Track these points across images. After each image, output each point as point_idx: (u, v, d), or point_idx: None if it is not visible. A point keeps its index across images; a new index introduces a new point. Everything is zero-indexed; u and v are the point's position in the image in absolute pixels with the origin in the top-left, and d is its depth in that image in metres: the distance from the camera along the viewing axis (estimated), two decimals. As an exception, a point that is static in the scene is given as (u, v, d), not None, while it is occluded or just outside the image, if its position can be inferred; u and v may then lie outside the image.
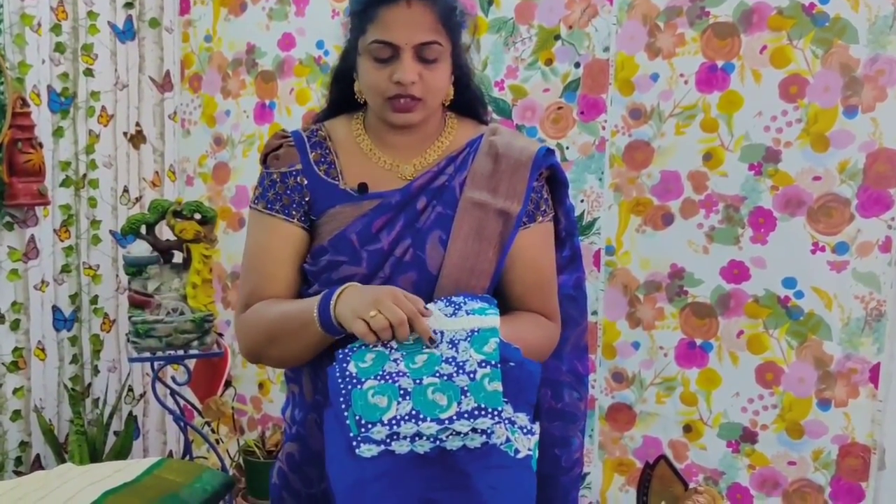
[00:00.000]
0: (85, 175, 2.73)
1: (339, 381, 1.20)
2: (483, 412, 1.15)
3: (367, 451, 1.15)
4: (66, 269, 2.70)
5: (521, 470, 1.19)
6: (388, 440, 1.15)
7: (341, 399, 1.19)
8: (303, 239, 1.39)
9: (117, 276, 2.80)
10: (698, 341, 2.21)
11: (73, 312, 2.73)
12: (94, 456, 2.53)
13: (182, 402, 2.59)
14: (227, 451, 2.70)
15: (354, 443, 1.15)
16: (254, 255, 1.41)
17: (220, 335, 2.48)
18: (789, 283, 2.08)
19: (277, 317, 1.33)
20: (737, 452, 2.18)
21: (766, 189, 2.09)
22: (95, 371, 2.80)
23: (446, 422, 1.15)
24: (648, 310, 2.26)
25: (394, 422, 1.15)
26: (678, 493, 1.38)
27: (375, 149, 1.41)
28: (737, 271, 2.14)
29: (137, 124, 2.87)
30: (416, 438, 1.15)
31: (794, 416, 2.11)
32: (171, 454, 2.97)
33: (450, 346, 1.23)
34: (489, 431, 1.15)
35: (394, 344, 1.23)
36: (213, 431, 2.72)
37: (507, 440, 1.17)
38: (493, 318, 1.26)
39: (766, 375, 2.13)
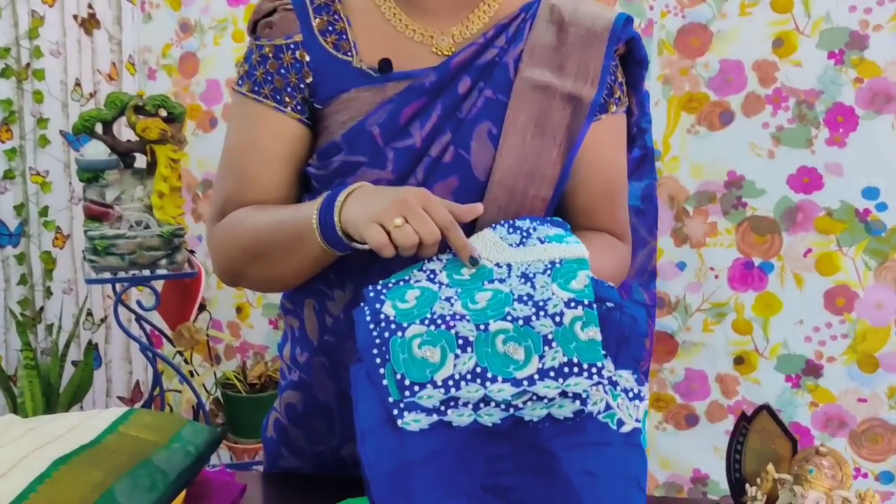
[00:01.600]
0: (28, 65, 2.47)
1: (372, 327, 0.94)
2: (576, 369, 0.90)
3: (412, 421, 0.90)
4: (9, 176, 2.47)
5: (626, 448, 0.95)
6: (442, 408, 0.90)
7: (375, 351, 0.93)
8: (299, 135, 1.13)
9: (70, 183, 2.55)
10: (757, 261, 1.99)
11: (19, 226, 2.51)
12: (49, 392, 2.29)
13: (149, 329, 2.35)
14: (203, 384, 2.44)
15: (395, 411, 0.90)
16: (234, 151, 1.16)
17: (192, 252, 2.24)
18: (871, 193, 1.88)
19: (264, 226, 1.09)
20: (797, 387, 1.99)
21: (849, 81, 1.85)
22: (48, 293, 2.57)
23: (525, 382, 0.90)
24: (698, 225, 2.02)
25: (450, 382, 0.90)
26: (783, 451, 1.13)
27: (402, 14, 1.14)
28: (807, 180, 1.93)
29: (90, 6, 2.57)
30: (482, 405, 0.90)
31: (867, 346, 1.91)
32: (137, 386, 2.72)
33: (522, 280, 0.98)
34: (584, 396, 0.89)
35: (444, 278, 0.99)
36: (185, 362, 2.48)
37: (608, 407, 0.92)
38: (577, 247, 1.01)
39: (837, 301, 1.92)
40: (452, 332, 0.94)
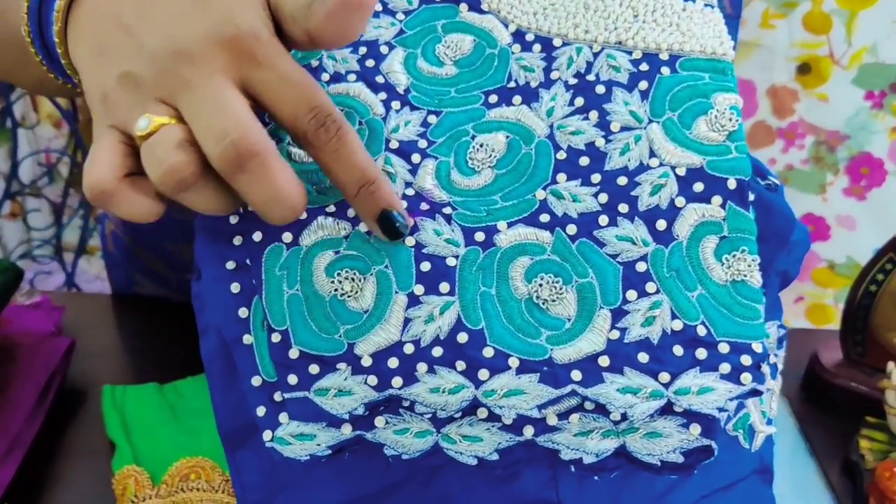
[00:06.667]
0: None
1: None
2: (702, 352, 0.45)
3: (295, 439, 0.45)
4: None
5: (759, 487, 0.49)
6: (367, 415, 0.45)
7: (231, 266, 0.48)
8: None
9: None
10: (855, -73, 1.41)
11: None
12: None
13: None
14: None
15: (263, 410, 0.45)
16: None
17: None
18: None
19: None
20: (878, 108, 1.52)
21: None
22: None
23: (574, 373, 0.44)
24: None
25: (393, 361, 0.44)
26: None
27: None
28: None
29: None
30: (461, 418, 0.46)
31: None
32: None
33: (575, 98, 0.52)
34: (717, 416, 0.44)
35: (398, 74, 0.53)
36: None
37: (740, 406, 0.48)
38: (712, 18, 0.53)
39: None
40: (408, 240, 0.47)
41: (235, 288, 0.47)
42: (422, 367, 0.43)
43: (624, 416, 0.44)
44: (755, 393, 0.44)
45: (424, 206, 0.47)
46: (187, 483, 0.64)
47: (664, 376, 0.44)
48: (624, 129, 0.49)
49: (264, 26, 0.43)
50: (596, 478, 0.45)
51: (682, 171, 0.48)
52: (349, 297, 0.45)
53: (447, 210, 0.47)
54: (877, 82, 1.50)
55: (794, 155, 1.58)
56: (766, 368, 0.44)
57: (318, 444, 0.44)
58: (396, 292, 0.45)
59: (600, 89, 0.50)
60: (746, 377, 0.44)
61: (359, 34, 0.44)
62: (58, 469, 0.69)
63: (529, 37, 0.52)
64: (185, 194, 0.41)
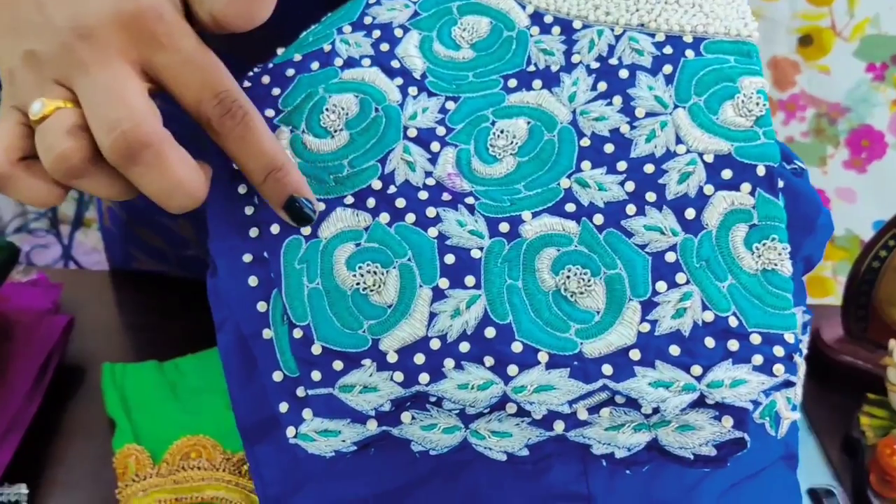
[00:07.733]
0: None
1: (242, 192, 0.47)
2: (734, 343, 0.43)
3: (319, 435, 0.44)
4: None
5: (784, 473, 0.48)
6: (392, 410, 0.44)
7: (248, 259, 0.46)
8: None
9: None
10: None
11: None
12: None
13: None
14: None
15: (285, 406, 0.44)
16: None
17: None
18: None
19: None
20: (879, 80, 1.52)
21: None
22: None
23: (605, 368, 0.43)
24: None
25: (418, 358, 0.43)
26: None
27: None
28: None
29: None
30: (490, 414, 0.44)
31: None
32: None
33: (597, 82, 0.50)
34: (750, 408, 0.42)
35: (413, 57, 0.51)
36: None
37: (766, 394, 0.44)
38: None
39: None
40: (430, 232, 0.45)
41: (253, 281, 0.45)
42: (449, 363, 0.42)
43: (656, 410, 0.43)
44: (788, 384, 0.43)
45: (446, 197, 0.46)
46: (188, 462, 0.64)
47: (696, 369, 0.42)
48: (649, 114, 0.48)
49: (169, 4, 0.40)
50: (627, 471, 0.44)
51: (709, 158, 0.46)
52: (372, 290, 0.44)
53: (469, 200, 0.46)
54: (878, 54, 1.49)
55: (794, 127, 1.58)
56: (798, 359, 0.43)
57: (344, 441, 0.43)
58: (421, 286, 0.44)
59: (623, 73, 0.49)
60: (779, 368, 0.42)
61: (265, 16, 0.41)
62: (57, 448, 0.69)
63: (548, 19, 0.51)
64: (77, 181, 0.39)
